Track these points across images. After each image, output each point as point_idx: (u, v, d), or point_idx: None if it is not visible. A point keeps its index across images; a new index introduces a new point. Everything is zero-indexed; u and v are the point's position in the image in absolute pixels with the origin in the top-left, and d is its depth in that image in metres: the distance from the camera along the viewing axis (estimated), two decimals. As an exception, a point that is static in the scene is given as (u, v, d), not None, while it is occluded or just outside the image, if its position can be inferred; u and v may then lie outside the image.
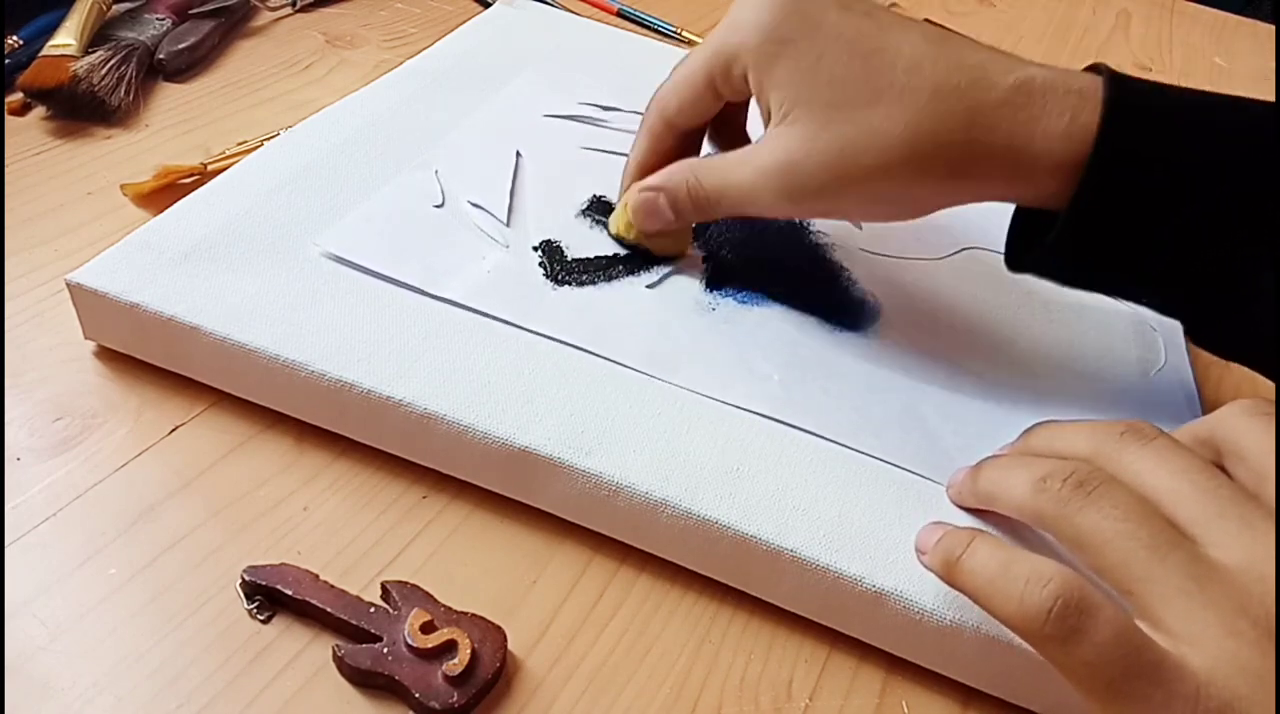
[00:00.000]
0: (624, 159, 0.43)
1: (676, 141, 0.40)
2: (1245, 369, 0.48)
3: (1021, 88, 0.33)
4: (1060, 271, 0.37)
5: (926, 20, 0.81)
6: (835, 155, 0.34)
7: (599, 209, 0.45)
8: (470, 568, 0.33)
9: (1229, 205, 0.33)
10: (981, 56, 0.34)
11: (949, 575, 0.30)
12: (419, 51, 0.55)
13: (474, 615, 0.31)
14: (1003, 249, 0.48)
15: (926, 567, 0.31)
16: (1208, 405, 0.42)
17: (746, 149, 0.38)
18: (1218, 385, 0.47)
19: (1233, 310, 0.35)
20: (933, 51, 0.34)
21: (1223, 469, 0.29)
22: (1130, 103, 0.33)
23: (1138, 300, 0.38)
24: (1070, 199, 0.33)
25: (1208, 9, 0.90)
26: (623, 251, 0.43)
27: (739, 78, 0.37)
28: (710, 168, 0.39)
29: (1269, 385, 0.47)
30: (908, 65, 0.34)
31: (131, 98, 0.51)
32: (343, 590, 0.31)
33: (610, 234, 0.43)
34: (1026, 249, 0.37)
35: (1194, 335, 0.39)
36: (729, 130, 0.42)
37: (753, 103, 0.38)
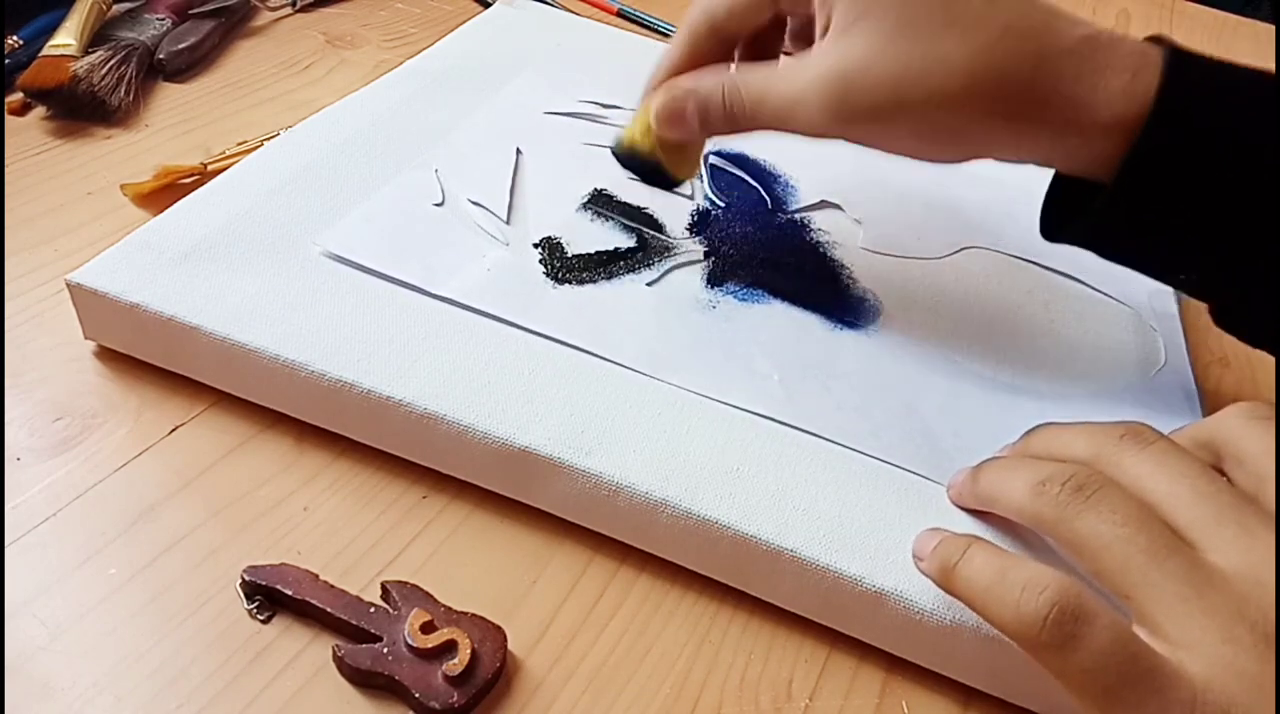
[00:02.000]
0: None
1: (715, 49, 0.38)
2: (1245, 369, 0.49)
3: (1089, 40, 0.33)
4: (1101, 239, 0.37)
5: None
6: (897, 74, 0.33)
7: (600, 203, 0.45)
8: (470, 568, 0.33)
9: (1275, 185, 0.33)
10: (1052, 6, 0.34)
11: (945, 582, 0.30)
12: (419, 51, 0.55)
13: (474, 615, 0.31)
14: (1003, 248, 0.48)
15: (923, 573, 0.31)
16: (1208, 405, 0.42)
17: (794, 58, 0.36)
18: (1218, 385, 0.47)
19: (1266, 294, 0.35)
20: None
21: (1222, 472, 0.29)
22: (1189, 70, 0.33)
23: (1173, 277, 0.37)
24: (1122, 160, 0.33)
25: (1208, 9, 0.90)
26: (622, 246, 0.43)
27: None
28: (752, 73, 0.36)
29: (1269, 387, 0.47)
30: None
31: (131, 98, 0.51)
32: (343, 590, 0.31)
33: (617, 150, 0.40)
34: (1067, 218, 0.36)
35: (1221, 318, 0.38)
36: (763, 51, 0.40)
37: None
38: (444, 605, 0.31)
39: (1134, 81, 0.32)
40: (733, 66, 0.39)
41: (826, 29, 0.34)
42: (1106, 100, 0.33)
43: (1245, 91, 0.33)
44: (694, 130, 0.37)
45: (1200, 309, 0.53)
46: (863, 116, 0.34)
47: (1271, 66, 0.35)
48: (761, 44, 0.39)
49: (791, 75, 0.35)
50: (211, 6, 0.58)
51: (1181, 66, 0.33)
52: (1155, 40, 0.34)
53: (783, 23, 0.39)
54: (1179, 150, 0.33)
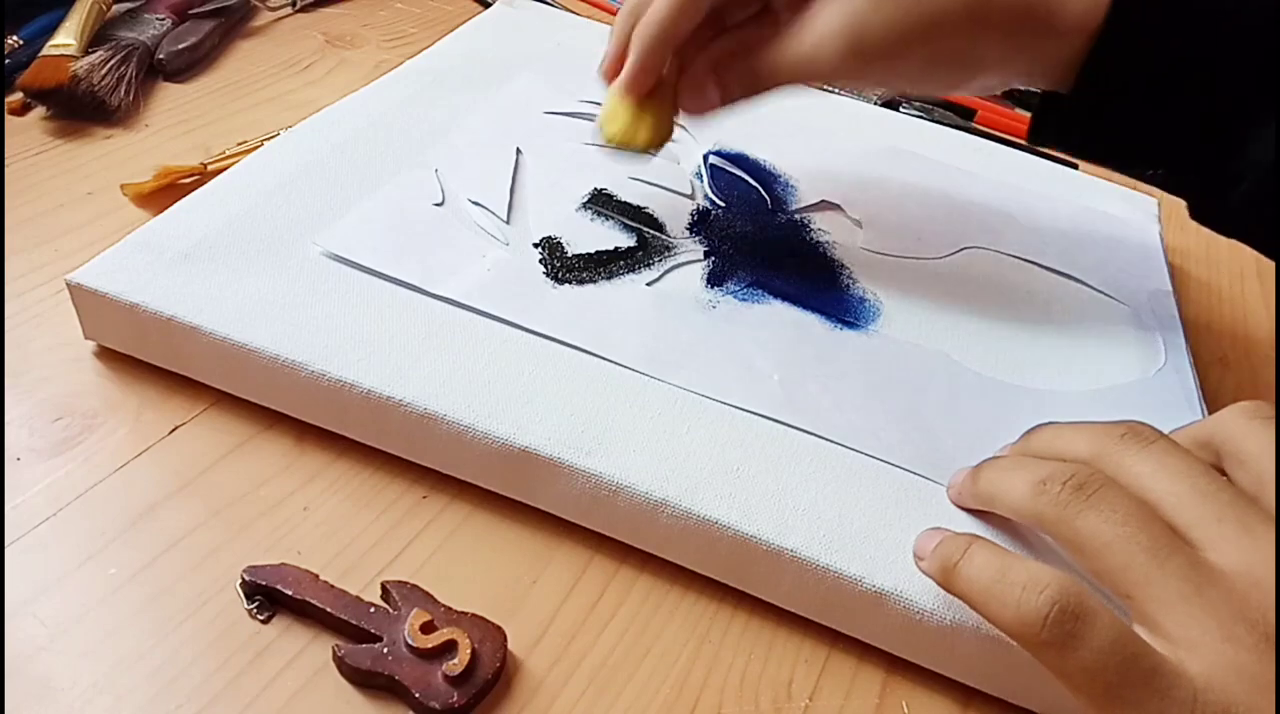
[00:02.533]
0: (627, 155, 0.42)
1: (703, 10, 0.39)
2: (1245, 368, 0.49)
3: None
4: (1074, 134, 0.40)
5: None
6: (903, 15, 0.36)
7: (600, 202, 0.45)
8: (470, 568, 0.33)
9: (1235, 72, 0.36)
10: None
11: (946, 581, 0.30)
12: (419, 51, 0.55)
13: (474, 615, 0.31)
14: (1003, 249, 0.48)
15: (924, 573, 0.31)
16: (1208, 405, 0.42)
17: (801, 18, 0.38)
18: (1218, 385, 0.47)
19: (1233, 181, 0.37)
20: None
21: (1222, 472, 0.29)
22: None
23: (1146, 169, 0.40)
24: (1087, 53, 0.36)
25: None
26: (623, 246, 0.43)
27: None
28: (763, 43, 0.39)
29: (1269, 388, 0.47)
30: None
31: (131, 98, 0.51)
32: (343, 590, 0.31)
33: (605, 137, 0.41)
34: (1047, 122, 0.40)
35: (1196, 210, 0.41)
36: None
37: None
38: (444, 605, 0.31)
39: None
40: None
41: None
42: (1078, 6, 0.36)
43: None
44: (715, 104, 0.40)
45: (1200, 309, 0.53)
46: (879, 56, 0.37)
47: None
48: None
49: (804, 32, 0.37)
50: (211, 6, 0.58)
51: None
52: None
53: None
54: (1137, 40, 0.36)
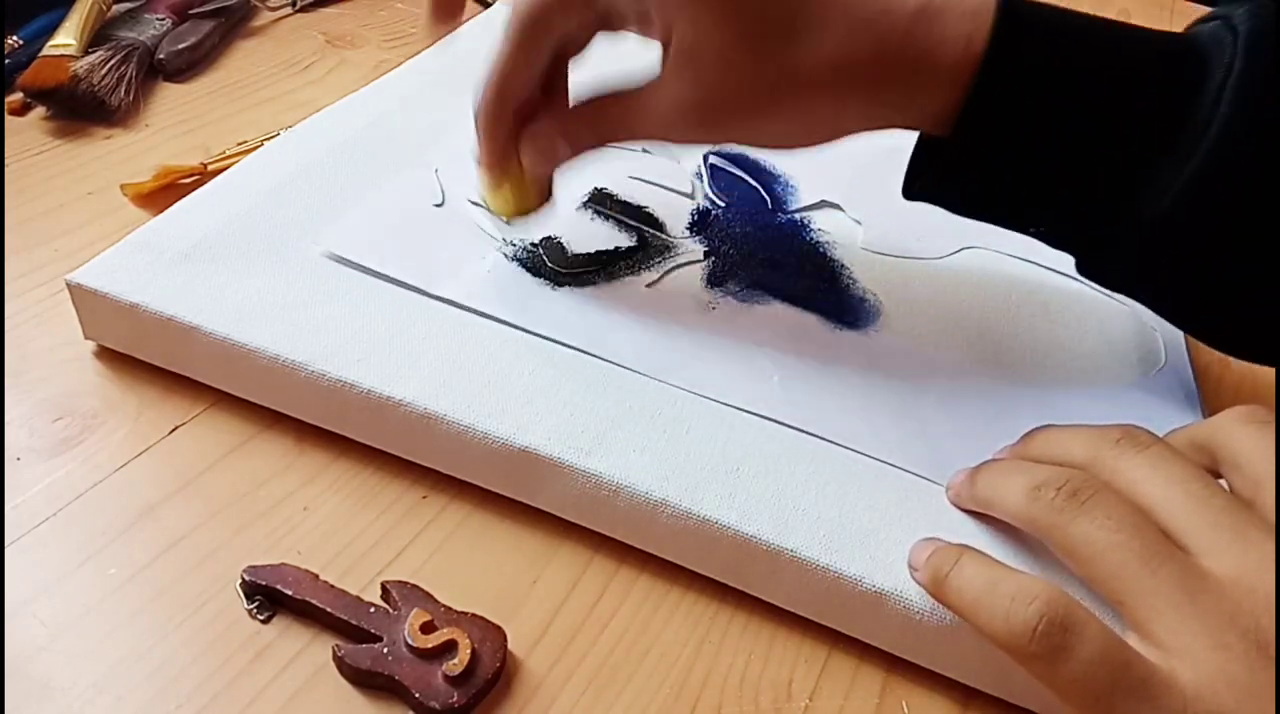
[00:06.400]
0: (627, 154, 0.42)
1: (546, 58, 0.37)
2: (1245, 368, 0.49)
3: (923, 12, 0.33)
4: (949, 191, 0.37)
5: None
6: (753, 89, 0.34)
7: (600, 201, 0.45)
8: (470, 568, 0.33)
9: (1114, 125, 0.34)
10: None
11: (937, 592, 0.30)
12: (419, 51, 0.55)
13: (474, 615, 0.31)
14: (1004, 249, 0.48)
15: (918, 583, 0.31)
16: (1208, 405, 0.42)
17: (653, 83, 0.36)
18: (1218, 385, 0.47)
19: (1118, 239, 0.35)
20: None
21: (1218, 475, 0.29)
22: (1019, 21, 0.33)
23: (1027, 227, 0.38)
24: (959, 108, 0.34)
25: (1208, 9, 0.90)
26: (623, 246, 0.43)
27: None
28: (614, 107, 0.37)
29: (1269, 389, 0.47)
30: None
31: (131, 98, 0.51)
32: (343, 590, 0.31)
33: (488, 207, 0.41)
34: (920, 174, 0.37)
35: (1083, 266, 0.38)
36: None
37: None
38: (444, 605, 0.31)
39: (969, 43, 0.33)
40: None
41: (667, 43, 0.35)
42: (947, 65, 0.33)
43: (1076, 32, 0.34)
44: (565, 157, 0.38)
45: (1200, 309, 0.53)
46: (727, 128, 0.36)
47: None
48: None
49: (654, 101, 0.36)
50: (211, 6, 0.58)
51: (1009, 20, 0.33)
52: None
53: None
54: (1011, 94, 0.33)
